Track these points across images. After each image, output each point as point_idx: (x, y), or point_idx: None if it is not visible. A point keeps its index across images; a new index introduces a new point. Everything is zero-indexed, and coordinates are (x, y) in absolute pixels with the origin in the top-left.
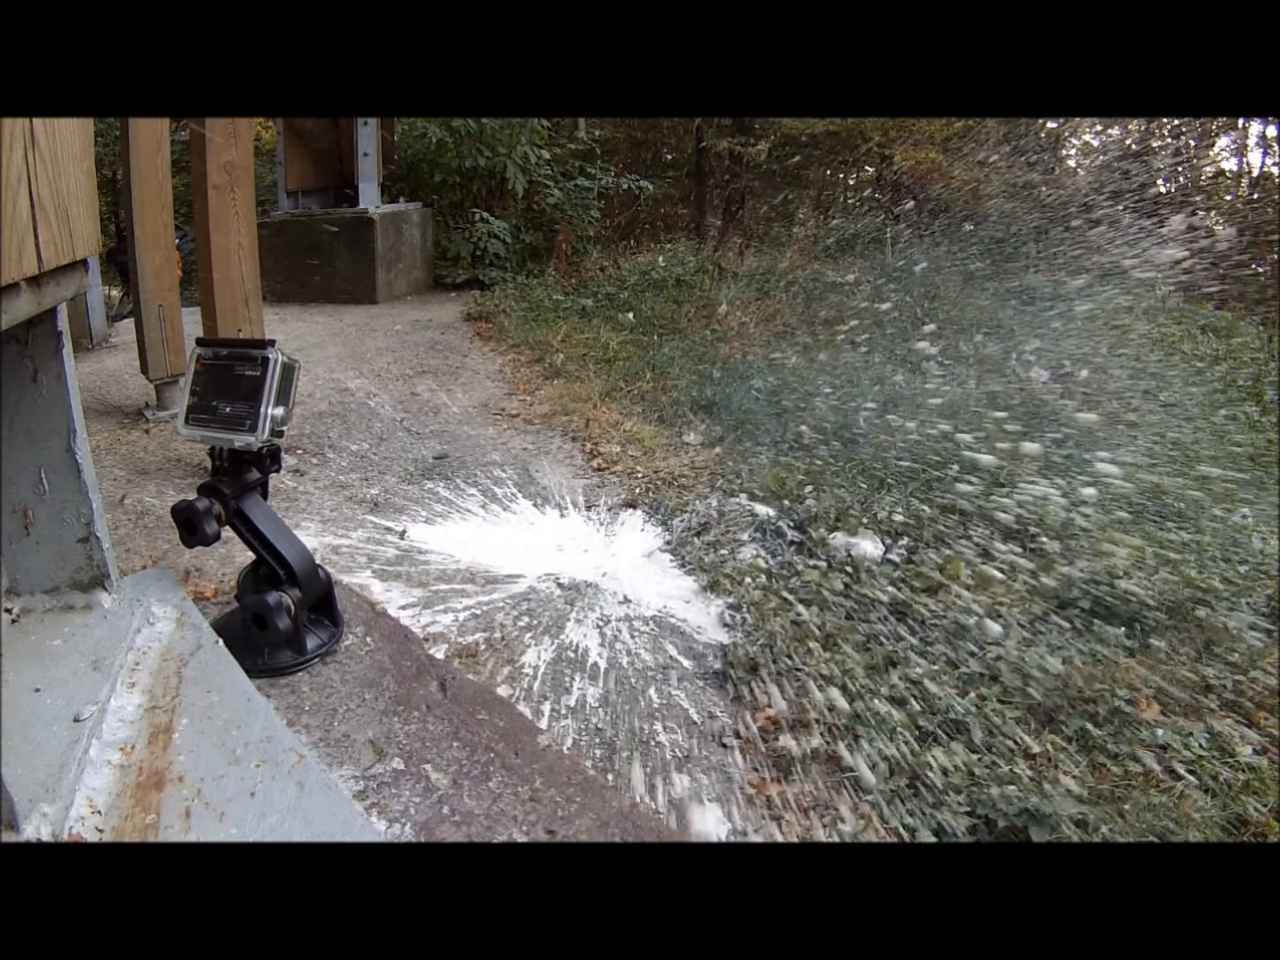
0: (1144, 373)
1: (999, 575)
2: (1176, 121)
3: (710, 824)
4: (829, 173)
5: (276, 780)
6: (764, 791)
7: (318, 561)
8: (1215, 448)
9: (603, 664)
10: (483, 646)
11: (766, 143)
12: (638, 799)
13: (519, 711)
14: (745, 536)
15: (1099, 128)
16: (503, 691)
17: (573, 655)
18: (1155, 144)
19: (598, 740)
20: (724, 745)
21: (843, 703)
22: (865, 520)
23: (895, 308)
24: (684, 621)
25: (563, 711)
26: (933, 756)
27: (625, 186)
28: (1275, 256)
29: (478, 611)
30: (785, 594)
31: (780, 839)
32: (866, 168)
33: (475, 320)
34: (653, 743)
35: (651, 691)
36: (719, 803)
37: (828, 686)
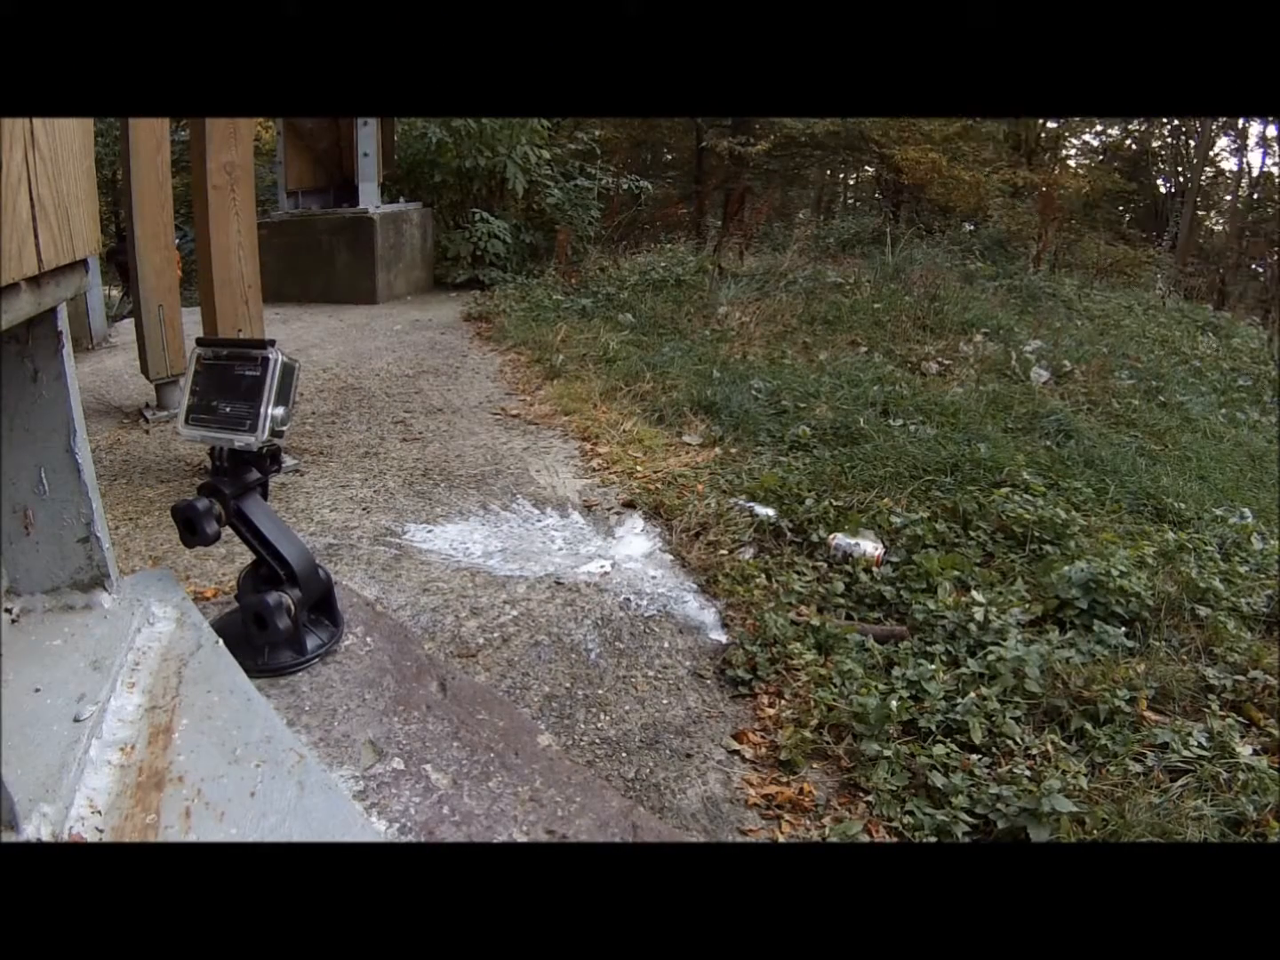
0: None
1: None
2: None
3: None
4: (829, 173)
5: (276, 780)
6: (762, 790)
7: (317, 561)
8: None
9: (603, 664)
10: (482, 645)
11: (766, 143)
12: (642, 800)
13: (519, 711)
14: (745, 537)
15: (1099, 127)
16: (502, 691)
17: (573, 656)
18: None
19: (599, 739)
20: (723, 745)
21: (841, 702)
22: (865, 520)
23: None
24: (684, 621)
25: (563, 711)
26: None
27: (625, 186)
28: (1275, 257)
29: (477, 611)
30: (785, 594)
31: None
32: (866, 168)
33: (475, 320)
34: (655, 742)
35: (651, 691)
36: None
37: (826, 685)
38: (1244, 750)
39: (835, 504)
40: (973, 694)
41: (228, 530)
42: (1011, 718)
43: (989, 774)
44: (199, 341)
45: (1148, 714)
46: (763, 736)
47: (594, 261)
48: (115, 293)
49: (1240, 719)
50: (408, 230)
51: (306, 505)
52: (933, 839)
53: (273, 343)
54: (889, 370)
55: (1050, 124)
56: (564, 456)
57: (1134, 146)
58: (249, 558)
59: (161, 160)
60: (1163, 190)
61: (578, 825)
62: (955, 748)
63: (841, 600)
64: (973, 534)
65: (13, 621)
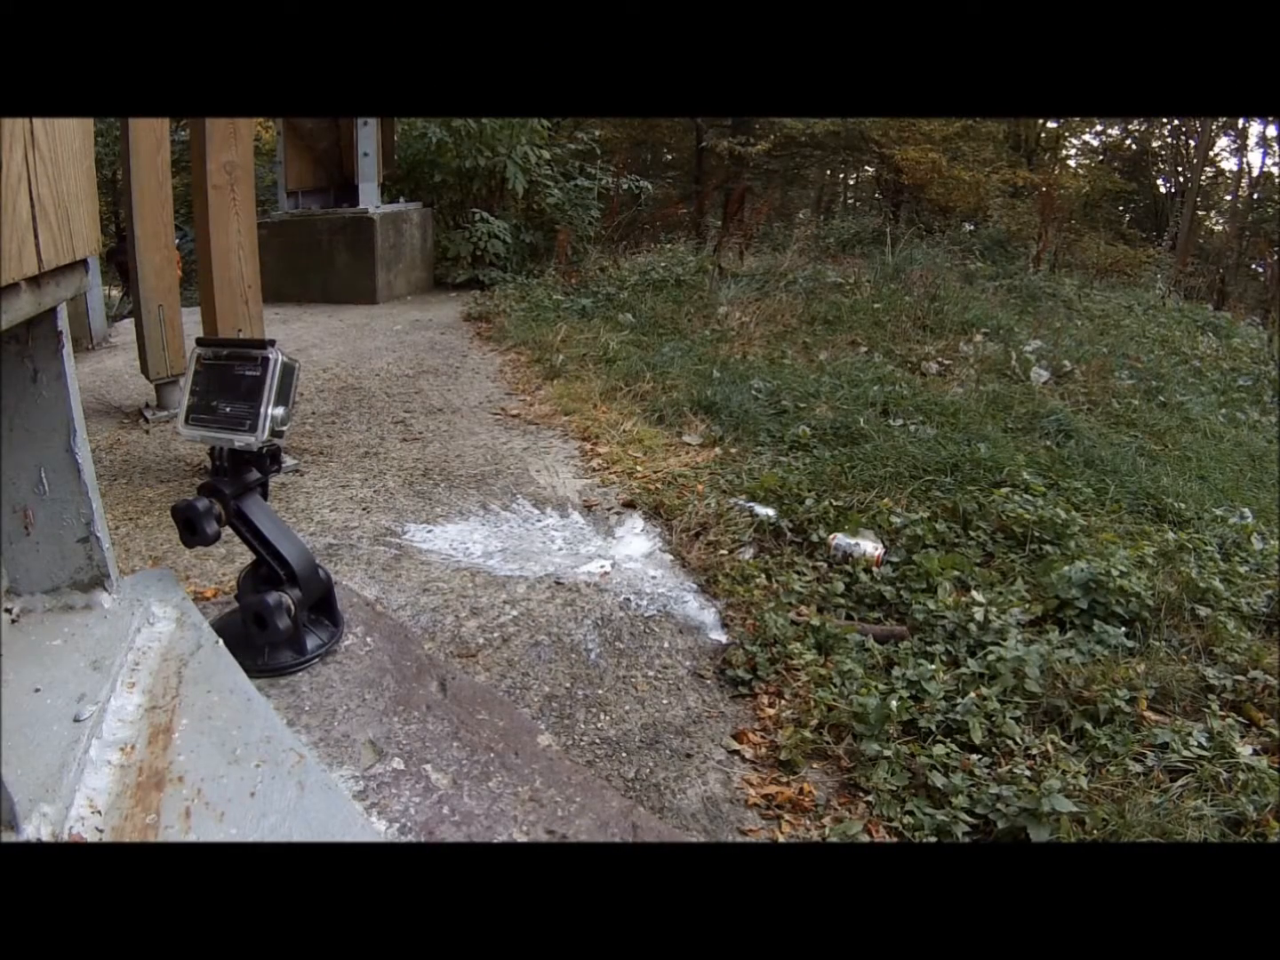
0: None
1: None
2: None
3: None
4: (829, 173)
5: (276, 780)
6: (762, 790)
7: (317, 561)
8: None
9: (603, 664)
10: (482, 645)
11: (766, 143)
12: (646, 800)
13: (519, 711)
14: (745, 537)
15: (1099, 127)
16: (502, 691)
17: (573, 656)
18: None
19: (599, 739)
20: (723, 745)
21: (841, 702)
22: (865, 520)
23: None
24: (684, 621)
25: (563, 711)
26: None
27: (625, 186)
28: (1275, 257)
29: (478, 611)
30: (785, 594)
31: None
32: (866, 168)
33: (475, 320)
34: (655, 742)
35: (651, 691)
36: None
37: (826, 685)
38: (1244, 750)
39: (835, 504)
40: (973, 694)
41: (228, 530)
42: (1011, 718)
43: (989, 774)
44: (199, 341)
45: (1148, 714)
46: (763, 736)
47: (594, 261)
48: (115, 293)
49: (1240, 719)
50: (408, 230)
51: (306, 505)
52: (933, 839)
53: (273, 343)
54: (889, 370)
55: (1050, 124)
56: (564, 456)
57: (1134, 146)
58: (249, 558)
59: (161, 160)
60: (1163, 190)
61: (578, 825)
62: (955, 748)
63: (841, 600)
64: (973, 534)
65: (13, 621)
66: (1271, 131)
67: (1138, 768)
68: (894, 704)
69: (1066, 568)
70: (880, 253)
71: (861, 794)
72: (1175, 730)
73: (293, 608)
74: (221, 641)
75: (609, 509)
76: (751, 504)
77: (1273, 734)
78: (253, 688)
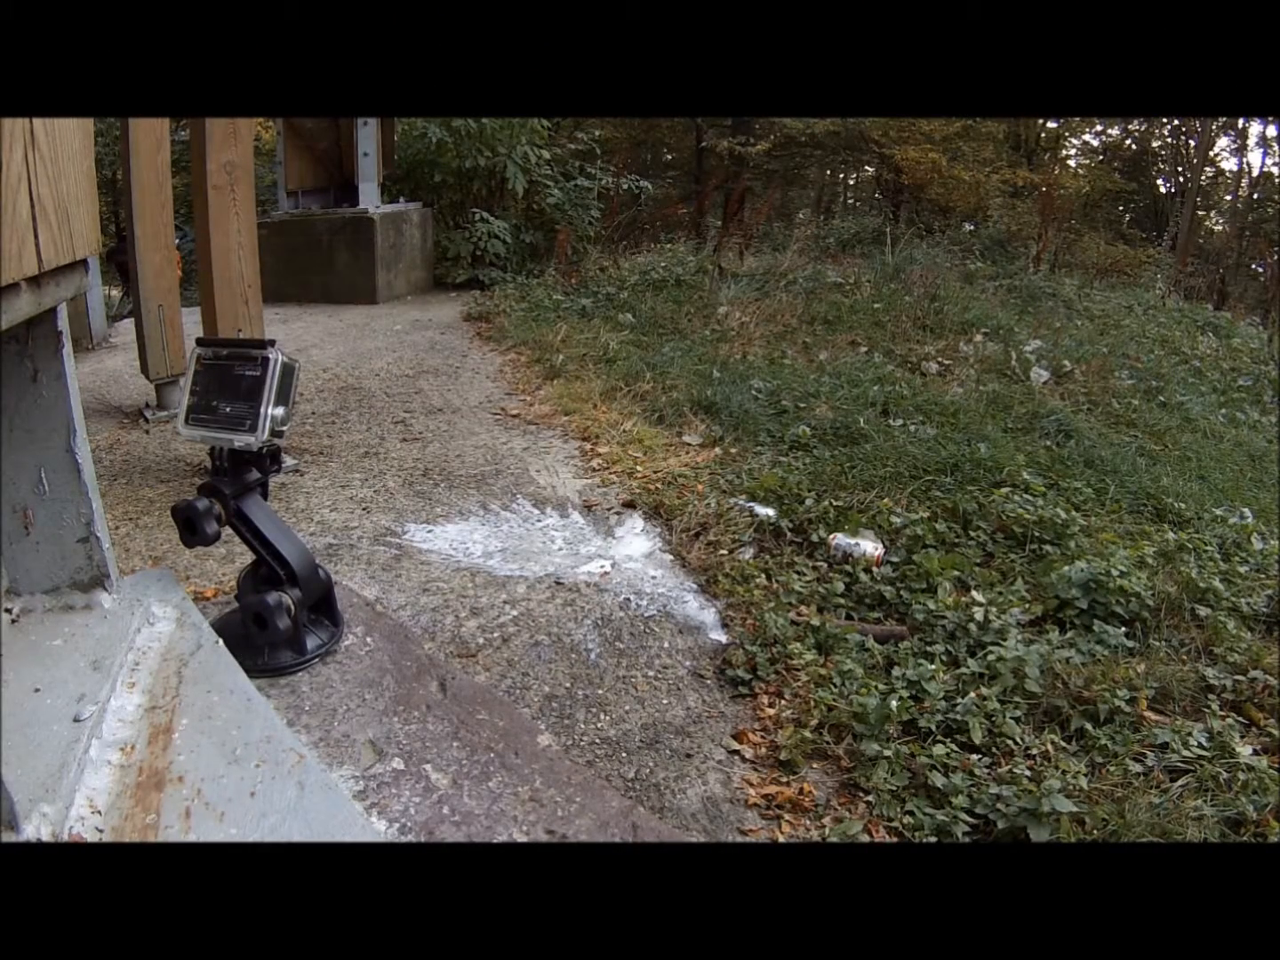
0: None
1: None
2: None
3: None
4: (829, 173)
5: (276, 780)
6: (762, 790)
7: (317, 561)
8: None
9: (603, 664)
10: (482, 645)
11: (766, 143)
12: (647, 800)
13: (519, 711)
14: (745, 537)
15: (1099, 127)
16: (502, 691)
17: (573, 656)
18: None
19: (599, 739)
20: (723, 745)
21: (841, 702)
22: (865, 520)
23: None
24: (684, 621)
25: (563, 711)
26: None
27: (625, 186)
28: (1275, 257)
29: (477, 611)
30: (785, 594)
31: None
32: (866, 168)
33: (475, 320)
34: (655, 742)
35: (651, 691)
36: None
37: (826, 685)
38: (1244, 750)
39: (835, 504)
40: (973, 694)
41: (228, 530)
42: (1011, 718)
43: (989, 774)
44: (199, 341)
45: (1148, 714)
46: (763, 736)
47: (594, 261)
48: (115, 293)
49: (1240, 719)
50: (408, 230)
51: (306, 505)
52: (933, 839)
53: (273, 343)
54: (889, 370)
55: (1050, 124)
56: (564, 456)
57: (1134, 146)
58: (249, 558)
59: (161, 160)
60: (1163, 190)
61: (578, 825)
62: (955, 748)
63: (841, 600)
64: (973, 534)
65: (13, 621)
66: (1271, 131)
67: (1138, 768)
68: (894, 704)
69: (1066, 568)
70: (880, 253)
71: (861, 794)
72: (1175, 730)
73: (293, 608)
74: (221, 641)
75: (609, 509)
76: (751, 504)
77: (1273, 734)
78: (253, 688)
